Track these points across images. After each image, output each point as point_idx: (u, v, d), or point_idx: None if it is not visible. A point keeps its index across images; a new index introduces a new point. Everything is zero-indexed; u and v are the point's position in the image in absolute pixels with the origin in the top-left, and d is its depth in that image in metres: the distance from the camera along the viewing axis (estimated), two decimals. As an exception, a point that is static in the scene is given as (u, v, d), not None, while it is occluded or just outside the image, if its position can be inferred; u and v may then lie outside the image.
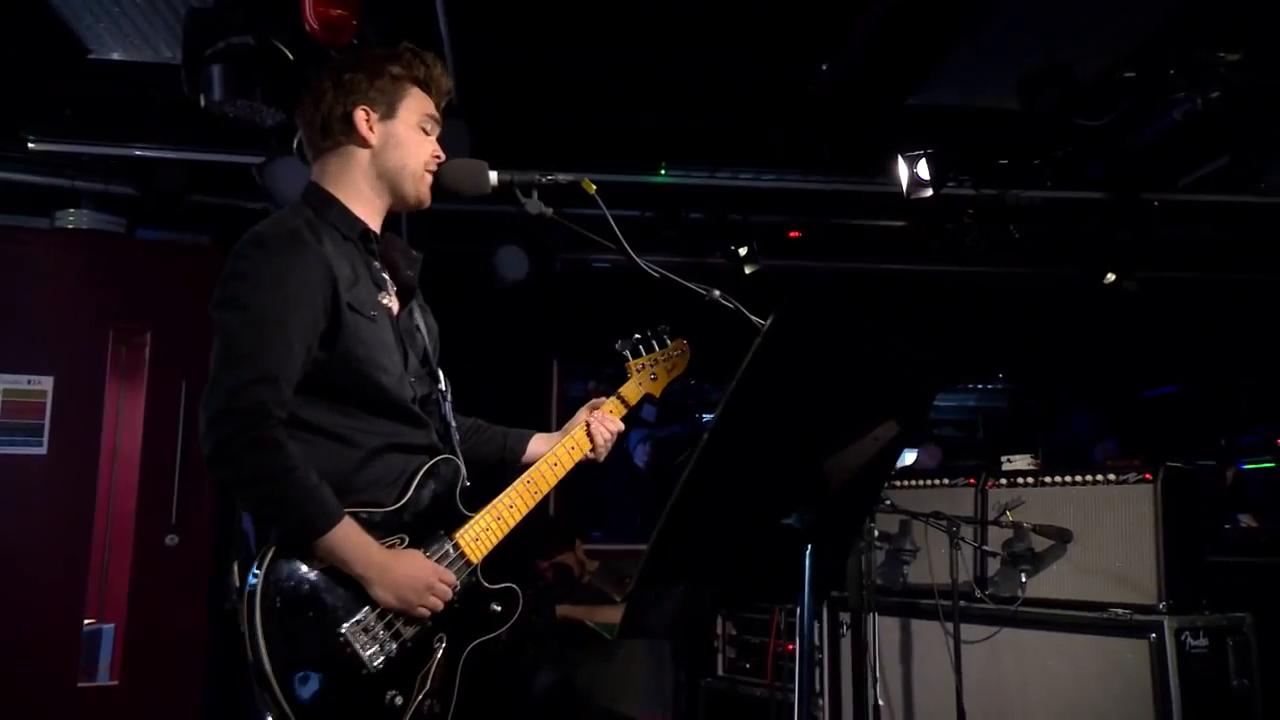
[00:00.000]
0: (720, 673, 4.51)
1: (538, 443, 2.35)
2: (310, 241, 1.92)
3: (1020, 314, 6.99)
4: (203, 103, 3.37)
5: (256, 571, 1.75)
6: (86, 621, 4.69)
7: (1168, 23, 3.76)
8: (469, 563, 1.98)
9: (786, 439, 1.62)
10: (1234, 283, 6.46)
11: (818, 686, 3.93)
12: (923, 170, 4.63)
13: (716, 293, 2.09)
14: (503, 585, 2.04)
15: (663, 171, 5.17)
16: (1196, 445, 7.63)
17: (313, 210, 2.01)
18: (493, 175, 2.13)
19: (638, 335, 2.44)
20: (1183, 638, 3.09)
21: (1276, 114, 4.27)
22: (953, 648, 3.40)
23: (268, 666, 1.70)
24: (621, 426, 2.35)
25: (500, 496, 2.10)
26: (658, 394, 2.45)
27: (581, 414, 2.36)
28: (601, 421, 2.31)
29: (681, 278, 2.12)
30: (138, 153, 4.71)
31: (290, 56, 3.25)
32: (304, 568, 1.79)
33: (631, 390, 2.42)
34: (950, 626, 3.44)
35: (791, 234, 5.90)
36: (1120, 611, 3.19)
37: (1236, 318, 6.71)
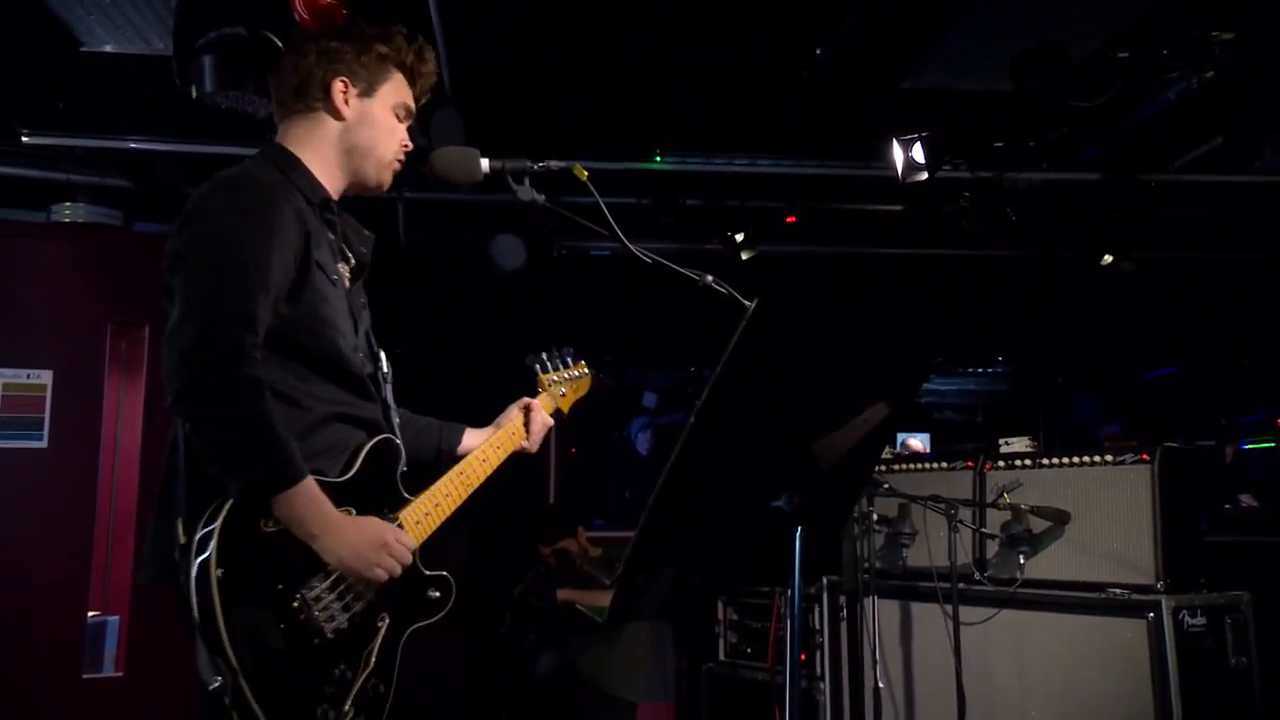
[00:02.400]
0: (722, 657, 4.53)
1: (471, 436, 2.33)
2: (285, 192, 1.91)
3: (1018, 297, 6.99)
4: (195, 94, 3.36)
5: (211, 526, 1.67)
6: (90, 614, 4.71)
7: (1161, 2, 3.75)
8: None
9: (774, 422, 1.63)
10: (1232, 262, 6.45)
11: (818, 670, 3.95)
12: (918, 154, 4.62)
13: (709, 278, 2.08)
14: (438, 573, 2.02)
15: (658, 158, 5.16)
16: (1198, 425, 7.64)
17: (277, 169, 1.98)
18: (484, 163, 2.12)
19: (544, 353, 2.51)
20: (1180, 617, 3.10)
21: (1271, 93, 4.25)
22: (952, 630, 3.41)
23: (221, 628, 1.63)
24: (552, 422, 2.39)
25: (437, 484, 2.10)
26: (565, 410, 2.50)
27: (514, 410, 2.37)
28: (540, 411, 2.36)
29: (678, 264, 2.11)
30: (132, 145, 4.70)
31: (281, 47, 3.24)
32: (261, 527, 1.71)
33: (548, 404, 2.46)
34: (949, 609, 3.45)
35: (788, 219, 5.90)
36: (1118, 591, 3.20)
37: (1235, 297, 6.71)
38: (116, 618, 4.83)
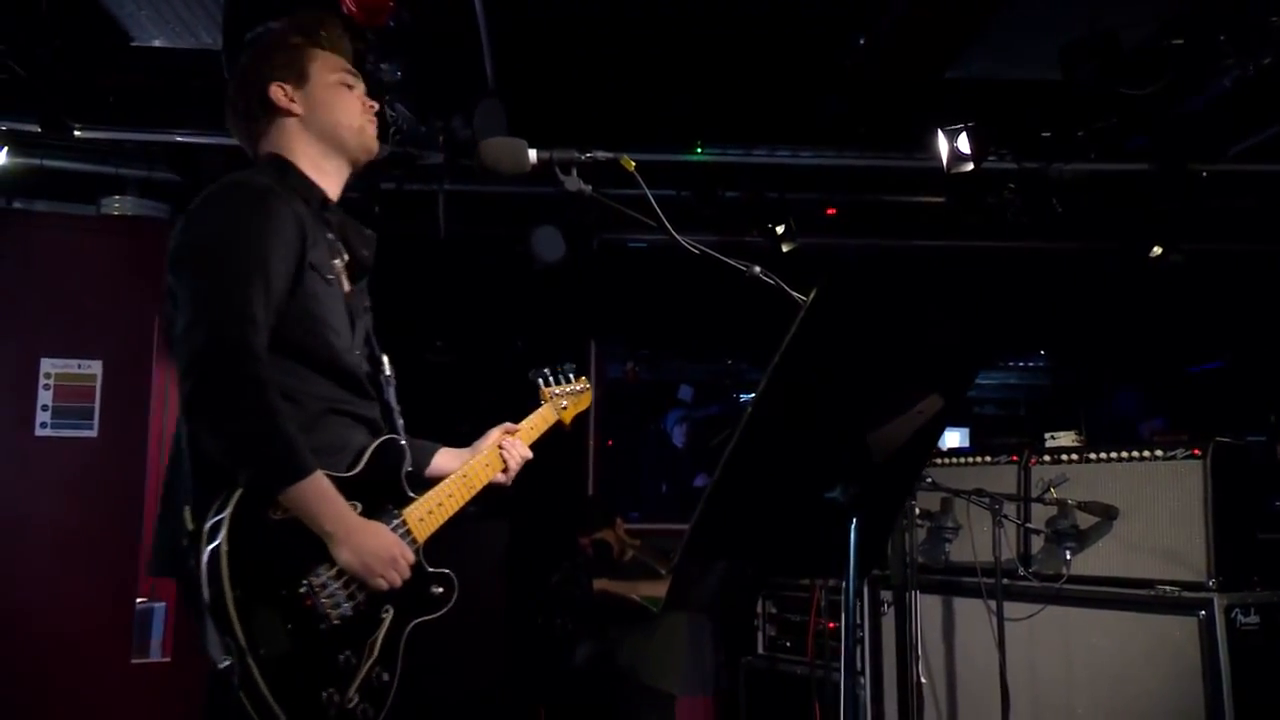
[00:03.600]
0: (761, 651, 4.52)
1: (443, 457, 2.35)
2: (282, 194, 1.95)
3: (1063, 289, 6.89)
4: (243, 88, 3.39)
5: (221, 512, 1.72)
6: (139, 600, 4.79)
7: (1217, -13, 3.67)
8: (414, 540, 2.01)
9: (829, 413, 1.62)
10: (1283, 254, 6.31)
11: (860, 665, 3.93)
12: (963, 144, 4.56)
13: (757, 269, 2.07)
14: (441, 570, 2.05)
15: (699, 150, 5.14)
16: (1245, 421, 7.48)
17: (274, 174, 2.02)
18: (532, 153, 2.12)
19: (547, 369, 2.59)
20: (1233, 615, 3.05)
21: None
22: (996, 625, 3.37)
23: (231, 609, 1.67)
24: (531, 454, 2.41)
25: (441, 485, 2.14)
26: (568, 423, 2.58)
27: (495, 434, 2.39)
28: (514, 447, 2.36)
29: (721, 256, 2.10)
30: (180, 139, 4.77)
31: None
32: (270, 514, 1.77)
33: (548, 414, 2.52)
34: (993, 604, 3.41)
35: (829, 211, 5.85)
36: (1168, 589, 3.15)
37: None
38: (164, 604, 4.92)
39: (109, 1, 3.84)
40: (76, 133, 4.69)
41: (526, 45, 4.29)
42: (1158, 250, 5.65)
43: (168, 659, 4.79)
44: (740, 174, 5.38)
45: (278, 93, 2.06)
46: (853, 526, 1.62)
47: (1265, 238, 6.11)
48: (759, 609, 4.55)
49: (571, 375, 2.63)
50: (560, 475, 5.98)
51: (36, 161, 4.83)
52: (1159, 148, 5.06)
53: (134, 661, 4.70)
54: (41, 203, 5.19)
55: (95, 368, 4.72)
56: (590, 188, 2.14)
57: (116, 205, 5.12)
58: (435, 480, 2.21)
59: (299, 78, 2.09)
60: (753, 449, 1.51)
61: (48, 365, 4.67)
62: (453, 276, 5.85)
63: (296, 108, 2.07)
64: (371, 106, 2.15)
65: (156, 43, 4.15)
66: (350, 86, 2.14)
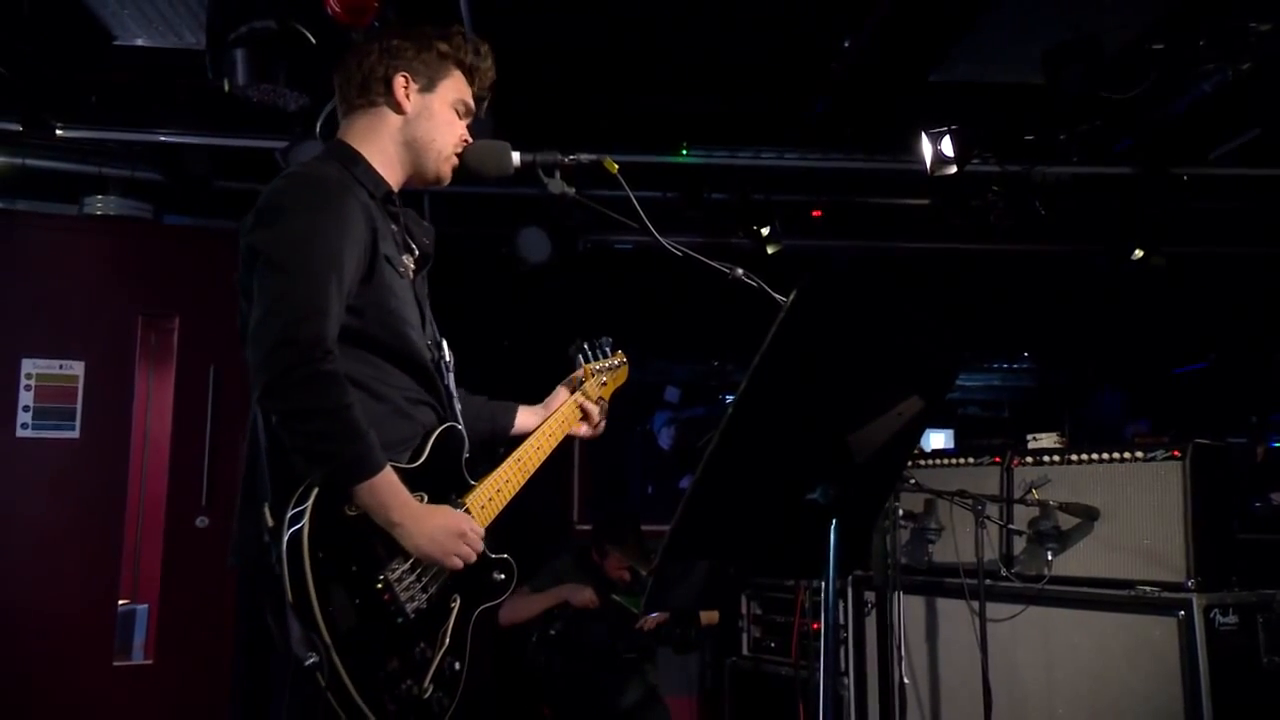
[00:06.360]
0: (745, 652, 4.53)
1: (525, 415, 2.40)
2: (350, 187, 1.96)
3: (1047, 291, 6.92)
4: (227, 88, 3.39)
5: (301, 509, 1.72)
6: (121, 602, 4.77)
7: (1197, -8, 3.70)
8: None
9: (810, 414, 1.63)
10: (1265, 257, 6.36)
11: (843, 665, 3.94)
12: (947, 147, 4.58)
13: (739, 271, 2.09)
14: (501, 556, 2.08)
15: (684, 152, 5.15)
16: (1227, 422, 7.54)
17: (339, 164, 2.03)
18: (515, 155, 2.15)
19: (585, 343, 2.56)
20: (1212, 615, 3.07)
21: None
22: (978, 626, 3.39)
23: (316, 607, 1.68)
24: (604, 402, 2.49)
25: (498, 469, 2.16)
26: (606, 399, 2.57)
27: (562, 390, 2.45)
28: (592, 406, 2.45)
29: (704, 257, 2.12)
30: (163, 138, 4.74)
31: (312, 40, 3.27)
32: (346, 511, 1.77)
33: (590, 391, 2.53)
34: (976, 605, 3.43)
35: (814, 213, 5.87)
36: (1148, 589, 3.17)
37: (1268, 292, 6.62)
38: (146, 606, 4.89)
39: (91, 1, 3.81)
40: (59, 132, 4.65)
41: (513, 46, 4.28)
42: (1139, 253, 5.69)
43: (150, 661, 4.77)
44: (726, 175, 5.38)
45: (400, 83, 2.08)
46: (833, 527, 1.63)
47: (1247, 240, 6.16)
48: (744, 610, 4.56)
49: (608, 349, 2.60)
50: (546, 478, 5.93)
51: (18, 161, 4.79)
52: (1141, 151, 5.10)
53: (116, 664, 4.68)
54: (23, 202, 5.15)
55: (77, 368, 4.69)
56: (573, 190, 2.16)
57: (99, 205, 5.08)
58: (520, 439, 2.26)
59: (427, 83, 2.11)
60: (733, 450, 1.52)
61: (29, 366, 4.64)
62: (438, 277, 5.84)
63: (408, 106, 2.09)
64: (465, 141, 2.16)
65: (139, 41, 4.12)
66: (460, 116, 2.16)
